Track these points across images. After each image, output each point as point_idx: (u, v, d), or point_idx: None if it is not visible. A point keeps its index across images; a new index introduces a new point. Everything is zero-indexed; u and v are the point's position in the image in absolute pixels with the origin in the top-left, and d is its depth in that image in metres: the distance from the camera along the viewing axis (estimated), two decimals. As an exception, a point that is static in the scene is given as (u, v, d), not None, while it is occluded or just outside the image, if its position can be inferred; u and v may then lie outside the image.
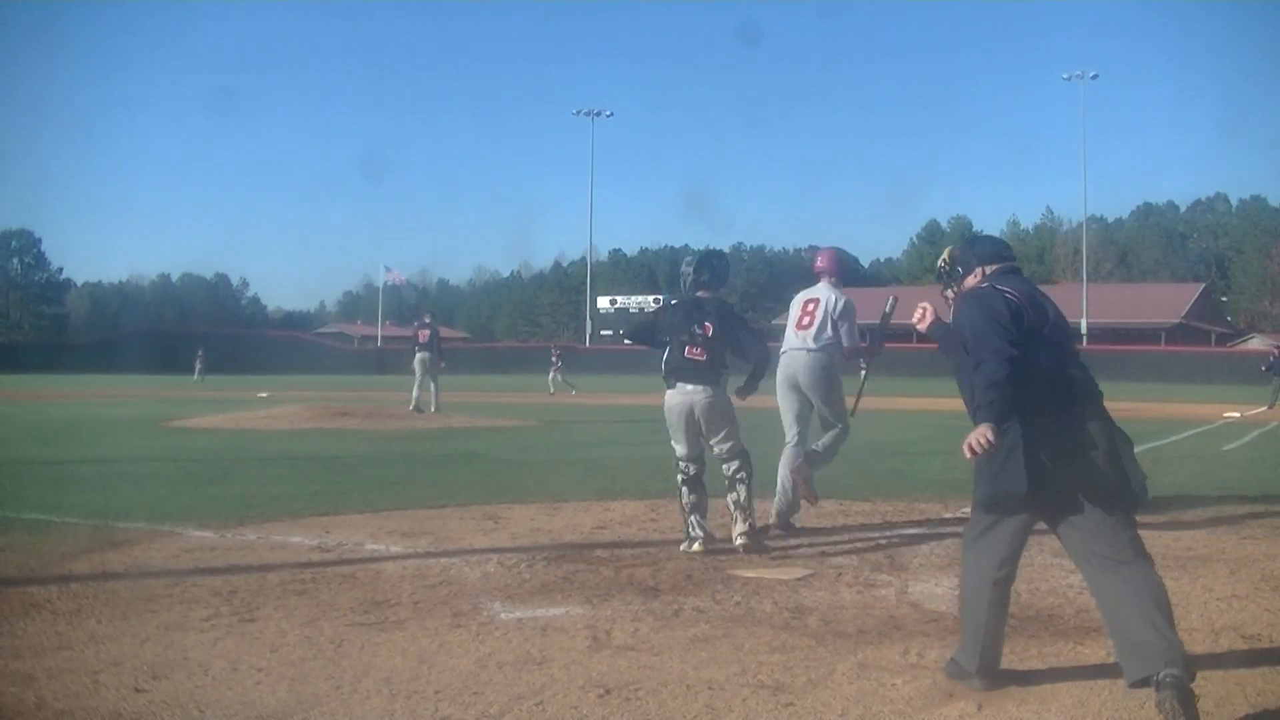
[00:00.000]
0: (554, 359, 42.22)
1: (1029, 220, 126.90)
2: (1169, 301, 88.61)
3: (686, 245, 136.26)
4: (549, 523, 9.04)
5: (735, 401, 8.27)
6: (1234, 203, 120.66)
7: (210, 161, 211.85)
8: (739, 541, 7.75)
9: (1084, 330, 75.81)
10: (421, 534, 8.42)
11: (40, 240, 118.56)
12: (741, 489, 7.99)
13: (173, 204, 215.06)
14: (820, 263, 9.31)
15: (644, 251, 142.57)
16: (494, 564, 7.33)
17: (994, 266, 4.95)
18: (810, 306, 9.22)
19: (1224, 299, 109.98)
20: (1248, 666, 5.00)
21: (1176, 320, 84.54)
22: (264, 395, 34.02)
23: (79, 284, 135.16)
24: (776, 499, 8.88)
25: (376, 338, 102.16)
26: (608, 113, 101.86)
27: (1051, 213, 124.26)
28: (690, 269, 8.33)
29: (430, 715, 4.36)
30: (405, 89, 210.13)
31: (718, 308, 8.26)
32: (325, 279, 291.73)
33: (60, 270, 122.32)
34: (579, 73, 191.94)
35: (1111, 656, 4.80)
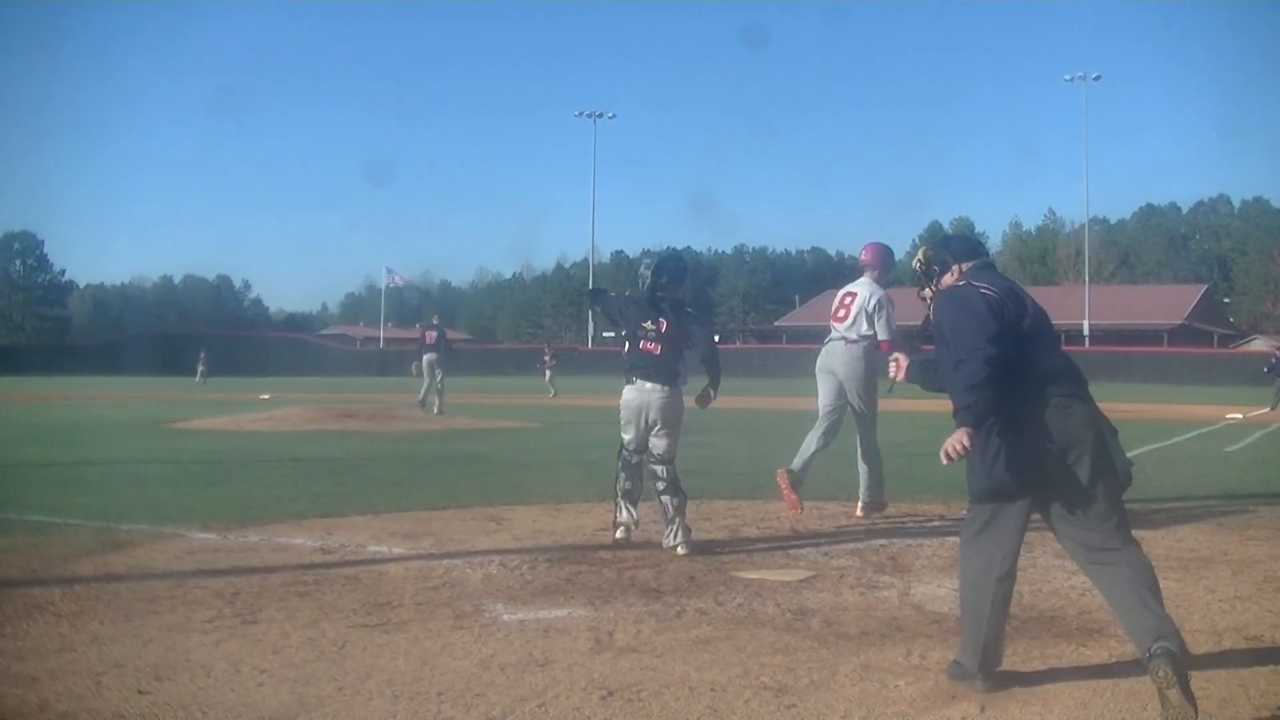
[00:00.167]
0: (547, 359, 42.10)
1: (1031, 222, 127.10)
2: (1171, 303, 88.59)
3: (688, 246, 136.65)
4: (551, 524, 9.04)
5: (693, 406, 8.61)
6: (1236, 204, 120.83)
7: (212, 163, 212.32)
8: (680, 551, 7.80)
9: (1086, 331, 75.83)
10: (424, 535, 8.42)
11: (43, 242, 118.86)
12: (678, 495, 8.09)
13: (175, 206, 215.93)
14: (864, 257, 9.72)
15: (646, 253, 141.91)
16: (496, 565, 7.33)
17: (970, 263, 4.98)
18: (847, 300, 9.73)
19: (1226, 300, 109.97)
20: (1251, 668, 5.00)
21: (1179, 321, 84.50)
22: (266, 397, 34.04)
23: (81, 286, 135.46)
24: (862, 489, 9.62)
25: (379, 339, 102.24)
26: (610, 114, 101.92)
27: (1054, 214, 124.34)
28: (649, 271, 8.46)
29: (433, 717, 4.36)
30: (408, 91, 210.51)
31: (672, 305, 8.35)
32: (327, 281, 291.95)
33: (63, 272, 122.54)
34: (581, 74, 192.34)
35: (1114, 657, 4.81)
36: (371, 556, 7.66)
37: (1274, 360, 33.93)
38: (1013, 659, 4.91)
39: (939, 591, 6.59)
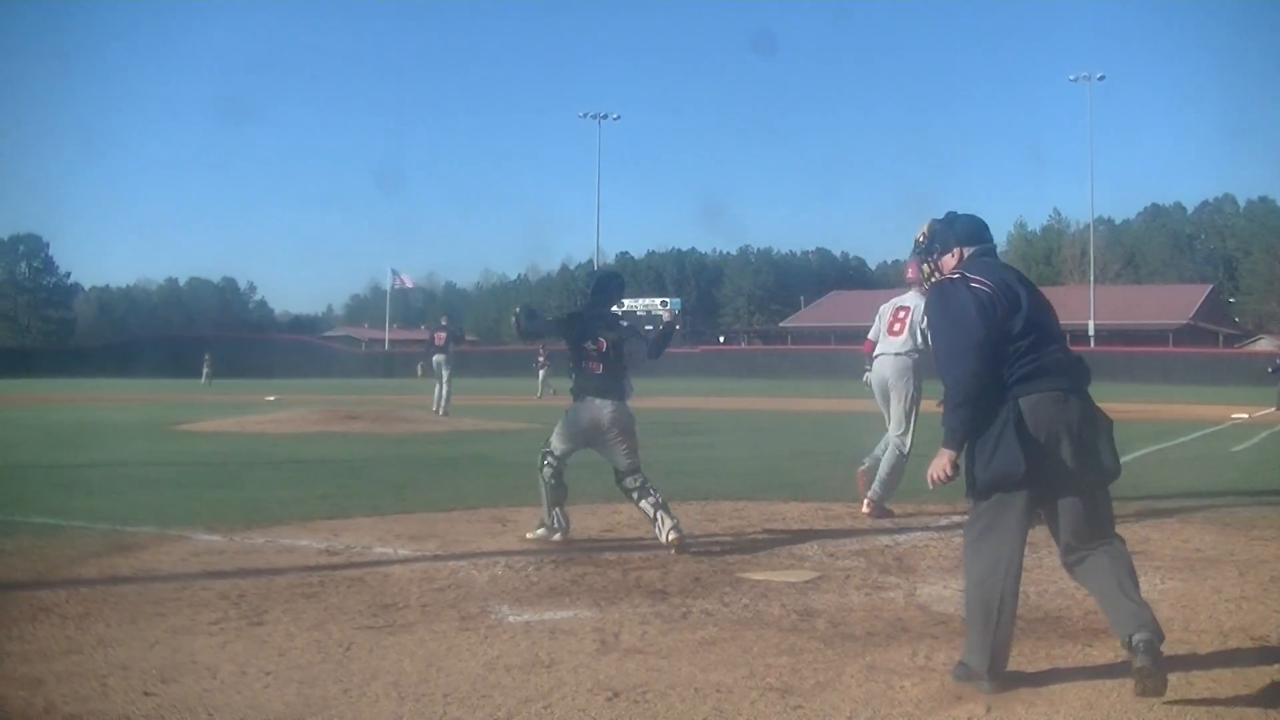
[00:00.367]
0: (541, 359, 42.00)
1: (1036, 222, 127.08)
2: (1176, 303, 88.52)
3: (693, 248, 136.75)
4: (556, 525, 9.03)
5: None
6: (1241, 204, 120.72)
7: (217, 165, 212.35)
8: (672, 538, 7.88)
9: (1091, 332, 75.75)
10: (429, 537, 8.43)
11: (48, 244, 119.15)
12: (652, 495, 8.15)
13: (180, 208, 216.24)
14: (910, 274, 9.70)
15: (651, 254, 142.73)
16: (502, 567, 7.34)
17: (971, 248, 4.97)
18: (901, 314, 9.99)
19: (1232, 300, 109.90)
20: (1257, 668, 4.99)
21: (1184, 321, 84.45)
22: (271, 399, 34.06)
23: (86, 288, 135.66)
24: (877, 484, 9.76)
25: (384, 341, 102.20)
26: (614, 115, 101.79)
27: (1059, 214, 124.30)
28: (589, 289, 8.72)
29: (439, 718, 4.36)
30: (412, 92, 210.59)
31: (608, 322, 8.55)
32: (332, 283, 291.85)
33: (68, 274, 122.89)
34: (586, 76, 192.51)
35: (1120, 658, 4.79)
36: (377, 558, 7.66)
37: (1278, 360, 33.89)
38: (1018, 660, 4.90)
39: (945, 592, 6.58)
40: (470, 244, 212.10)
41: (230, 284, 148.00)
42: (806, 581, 6.90)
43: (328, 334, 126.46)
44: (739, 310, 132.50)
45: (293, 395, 36.14)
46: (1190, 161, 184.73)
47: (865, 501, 9.72)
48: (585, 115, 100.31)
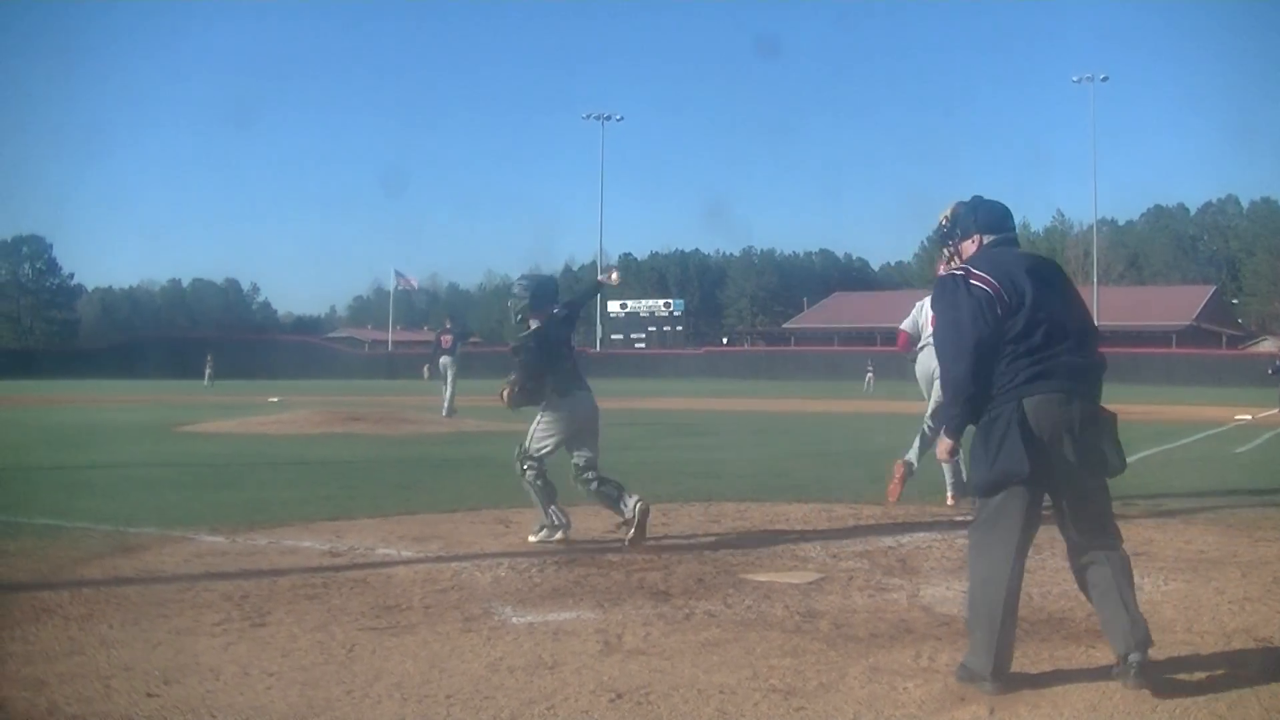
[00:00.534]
0: None
1: (1039, 223, 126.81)
2: (1180, 304, 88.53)
3: (697, 249, 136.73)
4: (559, 527, 9.03)
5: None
6: (1245, 205, 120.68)
7: (220, 166, 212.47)
8: (639, 507, 8.11)
9: (1095, 333, 75.63)
10: (432, 538, 8.43)
11: (51, 246, 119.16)
12: (608, 487, 8.29)
13: (183, 209, 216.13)
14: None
15: (654, 255, 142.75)
16: (505, 568, 7.33)
17: (992, 237, 4.97)
18: None
19: (1235, 301, 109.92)
20: (1260, 670, 4.98)
21: (1188, 323, 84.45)
22: (274, 400, 34.09)
23: (89, 289, 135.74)
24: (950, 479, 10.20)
25: (387, 342, 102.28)
26: (618, 116, 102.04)
27: (1062, 216, 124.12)
28: (527, 293, 8.69)
29: (442, 719, 4.37)
30: (415, 94, 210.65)
31: (560, 318, 8.75)
32: (335, 284, 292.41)
33: (71, 276, 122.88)
34: (589, 77, 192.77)
35: (1123, 660, 4.77)
36: (380, 559, 7.66)
37: (1278, 362, 33.84)
38: (1022, 661, 4.90)
39: (948, 593, 6.58)
40: (473, 245, 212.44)
41: (234, 285, 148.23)
42: (809, 583, 6.89)
43: (331, 335, 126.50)
44: (742, 311, 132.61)
45: (296, 396, 36.16)
46: (1193, 163, 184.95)
47: (949, 497, 10.17)
48: (588, 116, 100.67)
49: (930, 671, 4.98)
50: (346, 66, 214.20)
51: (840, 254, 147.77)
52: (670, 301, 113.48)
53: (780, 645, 5.42)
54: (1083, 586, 4.79)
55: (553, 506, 8.35)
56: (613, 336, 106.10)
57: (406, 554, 7.84)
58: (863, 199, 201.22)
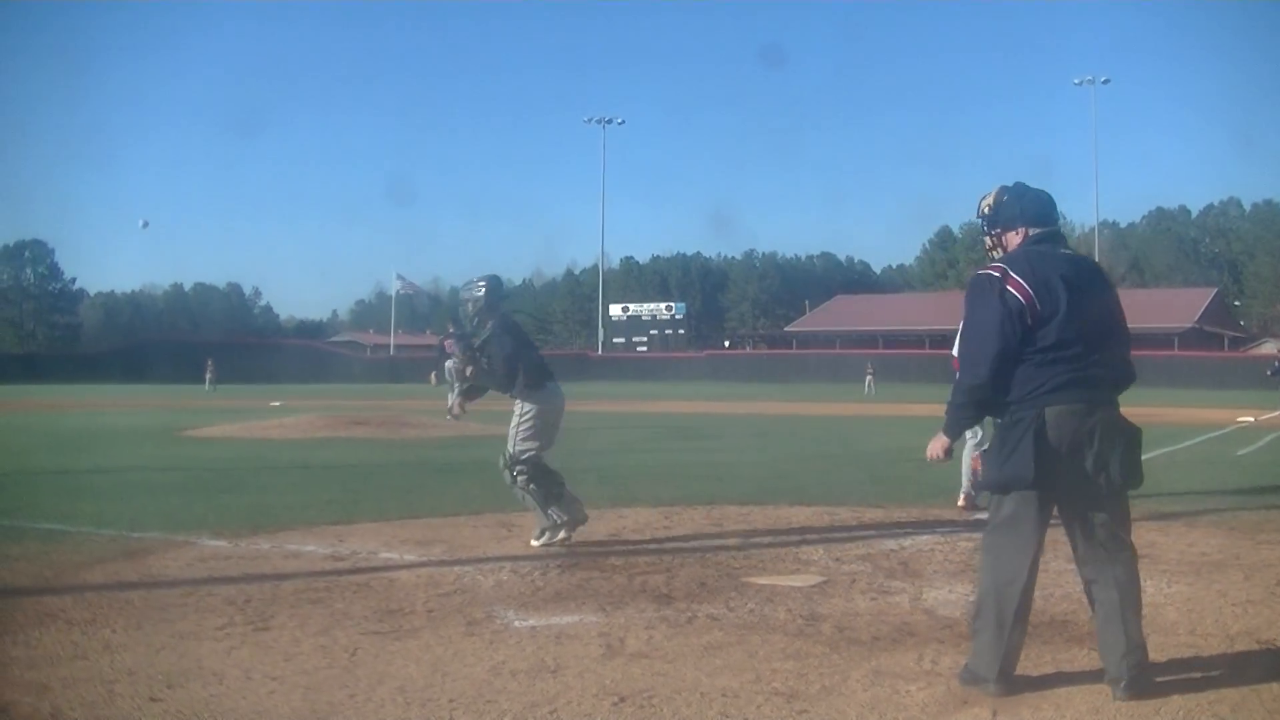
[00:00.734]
0: None
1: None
2: (1182, 306, 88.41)
3: (698, 252, 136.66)
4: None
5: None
6: (1247, 207, 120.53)
7: (223, 171, 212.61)
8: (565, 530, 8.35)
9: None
10: (435, 542, 8.43)
11: (53, 250, 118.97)
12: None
13: (185, 214, 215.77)
14: None
15: (656, 259, 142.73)
16: (507, 572, 7.34)
17: (1036, 230, 4.87)
18: None
19: (1237, 303, 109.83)
20: (1263, 672, 4.98)
21: (1189, 325, 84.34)
22: (277, 404, 34.12)
23: (92, 294, 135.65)
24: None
25: (389, 346, 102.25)
26: (619, 120, 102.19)
27: (1064, 218, 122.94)
28: (483, 288, 8.70)
29: (444, 723, 4.37)
30: (417, 98, 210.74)
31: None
32: (338, 288, 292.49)
33: (73, 280, 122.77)
34: (592, 80, 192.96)
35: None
36: (383, 563, 7.67)
37: (1277, 363, 33.79)
38: (1024, 664, 4.89)
39: (950, 596, 6.58)
40: (475, 249, 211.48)
41: (235, 289, 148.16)
42: (812, 586, 6.89)
43: (333, 339, 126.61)
44: (744, 315, 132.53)
45: (298, 401, 36.19)
46: (1195, 165, 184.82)
47: (961, 497, 10.20)
48: (590, 120, 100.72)
49: (933, 675, 4.98)
50: (348, 71, 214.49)
51: (842, 257, 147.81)
52: (672, 305, 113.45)
53: (783, 648, 5.42)
54: (1088, 598, 4.80)
55: (552, 507, 8.34)
56: (614, 340, 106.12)
57: (409, 558, 7.84)
58: (864, 202, 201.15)
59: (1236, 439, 20.93)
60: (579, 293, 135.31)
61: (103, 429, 23.86)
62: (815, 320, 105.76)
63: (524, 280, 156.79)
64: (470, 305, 8.67)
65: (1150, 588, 6.56)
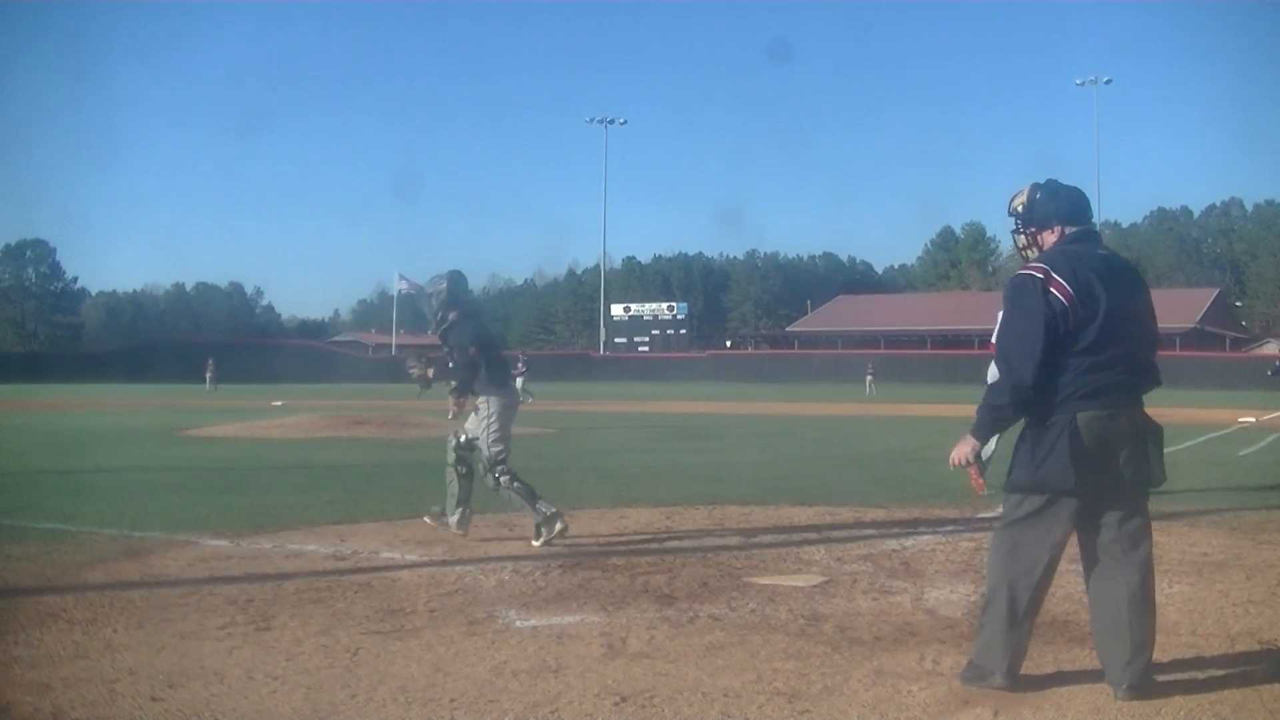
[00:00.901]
0: (520, 366, 41.74)
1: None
2: (1183, 307, 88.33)
3: (700, 253, 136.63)
4: (563, 530, 9.04)
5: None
6: (1249, 207, 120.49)
7: (225, 170, 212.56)
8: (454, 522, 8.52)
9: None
10: (437, 542, 8.43)
11: (55, 250, 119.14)
12: (467, 485, 8.66)
13: (187, 213, 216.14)
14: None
15: (658, 259, 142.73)
16: (509, 572, 7.34)
17: (1073, 229, 4.80)
18: None
19: (1239, 304, 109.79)
20: (1265, 672, 4.99)
21: (1191, 325, 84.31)
22: (278, 404, 34.14)
23: (93, 293, 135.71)
24: None
25: (391, 346, 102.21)
26: (621, 120, 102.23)
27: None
28: (443, 282, 8.78)
29: (446, 723, 4.37)
30: (419, 98, 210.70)
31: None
32: (339, 288, 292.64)
33: (75, 280, 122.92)
34: (594, 81, 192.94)
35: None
36: (384, 563, 7.67)
37: (1277, 363, 33.77)
38: (1026, 664, 4.89)
39: (952, 596, 6.58)
40: (477, 249, 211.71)
41: (237, 289, 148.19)
42: (814, 586, 6.89)
43: (335, 339, 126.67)
44: (746, 315, 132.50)
45: (300, 400, 36.20)
46: (1197, 165, 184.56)
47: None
48: (592, 120, 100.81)
49: (934, 674, 4.98)
50: (352, 71, 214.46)
51: (844, 257, 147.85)
52: (674, 305, 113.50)
53: (784, 648, 5.42)
54: (1090, 595, 4.77)
55: (540, 501, 8.43)
56: (616, 340, 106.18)
57: (411, 558, 7.84)
58: (866, 202, 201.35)
59: (1238, 439, 20.91)
60: (581, 293, 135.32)
61: (104, 429, 23.88)
62: (817, 320, 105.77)
63: (526, 280, 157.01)
64: (434, 299, 8.73)
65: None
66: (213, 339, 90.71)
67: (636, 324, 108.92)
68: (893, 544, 8.46)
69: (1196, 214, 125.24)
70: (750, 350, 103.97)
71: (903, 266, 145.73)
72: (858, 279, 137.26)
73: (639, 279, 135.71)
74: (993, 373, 5.10)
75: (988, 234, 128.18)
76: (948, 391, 52.97)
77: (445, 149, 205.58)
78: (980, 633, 4.76)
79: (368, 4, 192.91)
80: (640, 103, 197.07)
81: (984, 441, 4.70)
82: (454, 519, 8.51)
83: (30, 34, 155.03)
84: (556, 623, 5.96)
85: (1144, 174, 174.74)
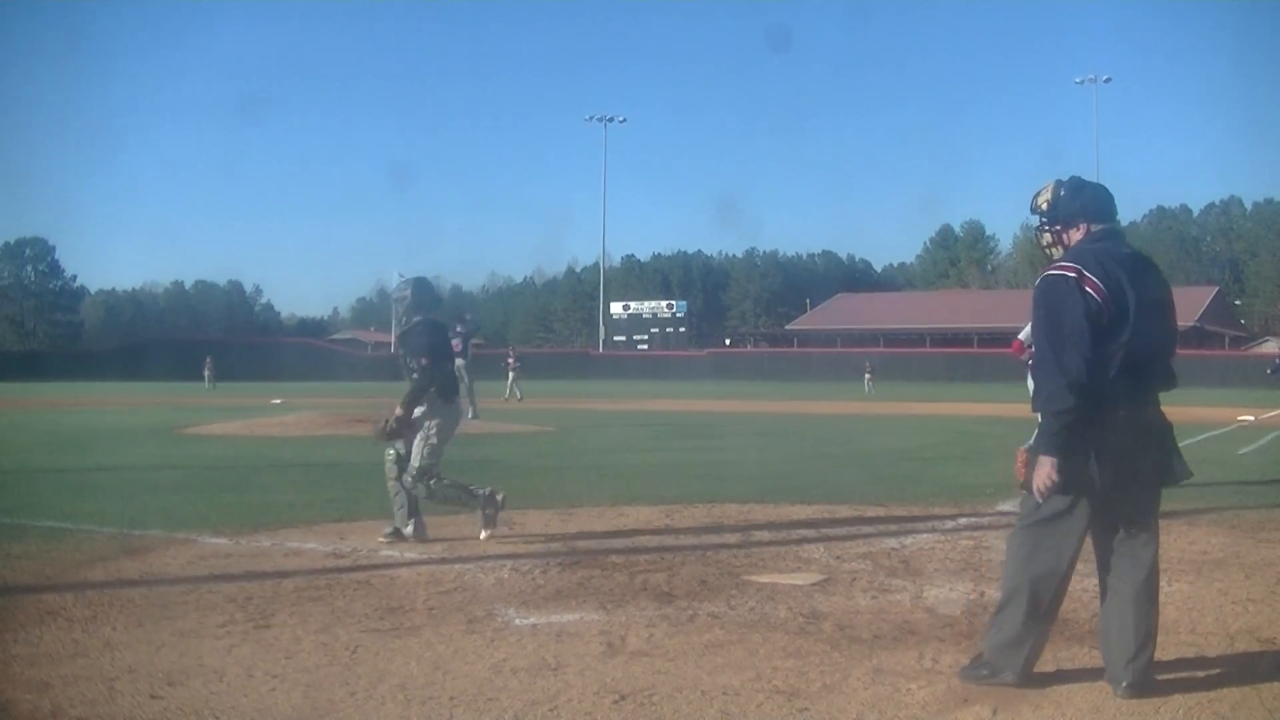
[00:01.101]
0: (511, 362, 41.69)
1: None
2: (1182, 305, 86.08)
3: (700, 251, 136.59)
4: (563, 528, 9.04)
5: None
6: (1248, 206, 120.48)
7: (224, 168, 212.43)
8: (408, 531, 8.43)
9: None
10: (435, 540, 8.42)
11: (54, 248, 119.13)
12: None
13: (186, 211, 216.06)
14: None
15: (657, 257, 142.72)
16: (508, 570, 7.34)
17: (1099, 226, 4.76)
18: None
19: (1238, 302, 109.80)
20: (1263, 671, 4.99)
21: (1190, 324, 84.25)
22: (278, 402, 34.11)
23: (92, 291, 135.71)
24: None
25: (390, 344, 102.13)
26: (620, 118, 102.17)
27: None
28: (408, 288, 8.86)
29: (445, 721, 4.37)
30: (420, 95, 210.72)
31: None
32: (338, 286, 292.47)
33: (74, 278, 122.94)
34: (594, 77, 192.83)
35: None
36: (384, 561, 7.67)
37: (1277, 361, 33.78)
38: (1025, 662, 4.90)
39: (951, 595, 6.58)
40: (476, 246, 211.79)
41: (236, 287, 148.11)
42: (813, 584, 6.89)
43: (334, 337, 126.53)
44: (745, 313, 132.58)
45: (299, 398, 36.17)
46: (1196, 163, 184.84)
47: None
48: (591, 118, 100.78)
49: (934, 673, 4.98)
50: (351, 68, 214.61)
51: (843, 255, 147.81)
52: (673, 303, 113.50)
53: (784, 647, 5.42)
54: (1101, 592, 4.77)
55: (472, 486, 8.50)
56: (616, 338, 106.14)
57: (410, 556, 7.84)
58: (865, 201, 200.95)
59: (1237, 438, 20.93)
60: (580, 291, 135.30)
61: (103, 427, 23.86)
62: (816, 319, 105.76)
63: (525, 278, 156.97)
64: (399, 305, 8.76)
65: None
66: (212, 337, 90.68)
67: (636, 322, 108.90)
68: (892, 542, 8.46)
69: (1196, 212, 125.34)
70: (749, 348, 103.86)
71: (902, 265, 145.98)
72: (857, 277, 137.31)
73: (638, 277, 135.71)
74: (1031, 384, 4.94)
75: (987, 232, 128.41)
76: (947, 390, 52.99)
77: (445, 147, 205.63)
78: (994, 631, 4.73)
79: (367, 1, 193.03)
80: (640, 101, 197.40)
81: (1059, 454, 4.43)
82: (409, 530, 8.40)
83: (30, 31, 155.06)
84: (556, 621, 5.96)
85: (1143, 172, 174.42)
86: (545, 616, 6.06)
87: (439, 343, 8.65)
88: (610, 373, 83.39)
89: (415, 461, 8.28)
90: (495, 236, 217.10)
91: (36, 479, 13.10)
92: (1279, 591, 6.71)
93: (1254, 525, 9.20)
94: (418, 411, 8.38)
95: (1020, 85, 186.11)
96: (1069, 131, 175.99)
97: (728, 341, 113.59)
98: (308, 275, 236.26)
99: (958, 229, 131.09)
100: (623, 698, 4.60)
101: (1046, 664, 5.05)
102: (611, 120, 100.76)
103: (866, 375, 56.16)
